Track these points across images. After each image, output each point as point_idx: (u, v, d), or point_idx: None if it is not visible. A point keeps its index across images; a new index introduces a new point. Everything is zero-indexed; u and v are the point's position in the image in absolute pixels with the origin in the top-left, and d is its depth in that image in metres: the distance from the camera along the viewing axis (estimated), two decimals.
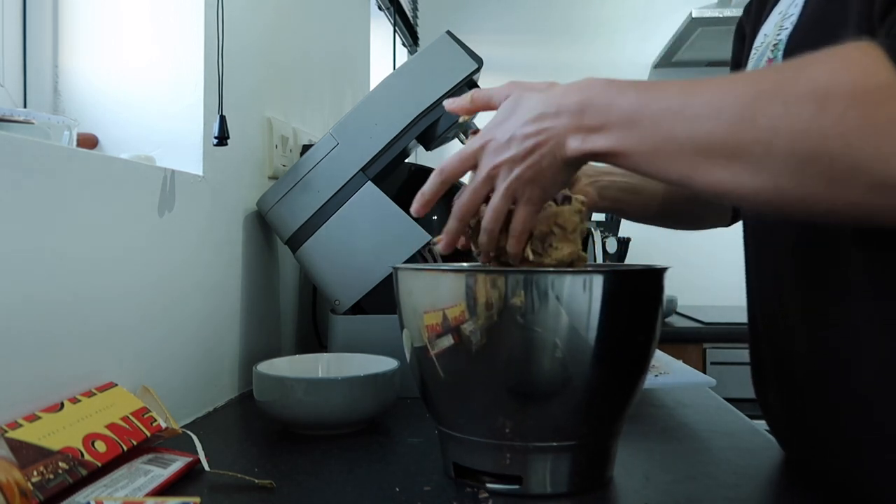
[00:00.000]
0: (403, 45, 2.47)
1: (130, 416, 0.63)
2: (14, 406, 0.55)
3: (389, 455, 0.70)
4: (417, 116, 0.95)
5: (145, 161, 0.79)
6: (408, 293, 0.61)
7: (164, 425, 0.64)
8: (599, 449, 0.61)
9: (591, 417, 0.59)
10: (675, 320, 2.22)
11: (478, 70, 0.96)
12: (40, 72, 0.89)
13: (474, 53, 0.96)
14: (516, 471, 0.58)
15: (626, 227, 2.31)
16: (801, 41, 0.57)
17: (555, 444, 0.58)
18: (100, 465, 0.55)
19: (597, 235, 1.78)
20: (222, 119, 0.82)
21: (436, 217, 1.08)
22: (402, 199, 0.97)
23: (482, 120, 0.65)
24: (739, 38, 0.80)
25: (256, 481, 0.60)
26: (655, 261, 0.67)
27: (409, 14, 2.49)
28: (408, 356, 0.63)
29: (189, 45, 0.87)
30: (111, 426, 0.60)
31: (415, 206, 0.62)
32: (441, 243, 0.62)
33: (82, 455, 0.54)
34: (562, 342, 0.55)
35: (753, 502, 0.59)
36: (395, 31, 2.17)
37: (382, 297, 0.95)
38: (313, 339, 1.24)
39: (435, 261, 0.97)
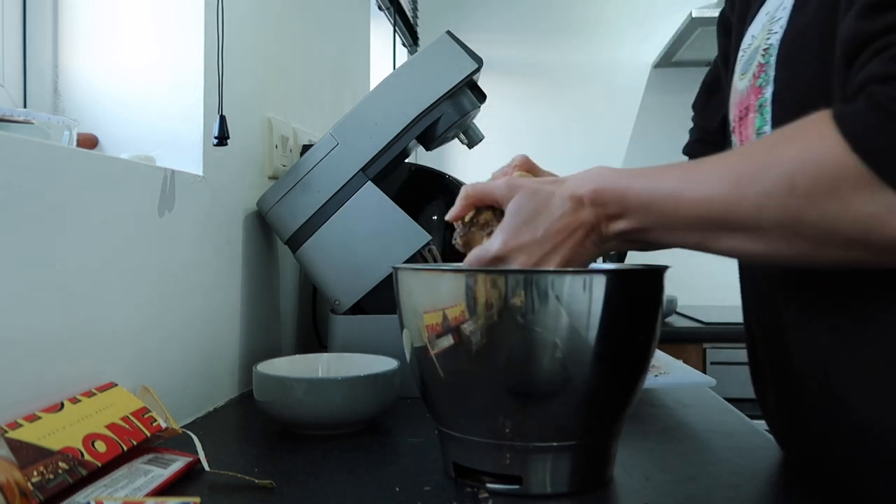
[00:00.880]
0: (403, 45, 2.47)
1: (130, 416, 0.63)
2: (14, 406, 0.55)
3: (389, 455, 0.70)
4: (417, 116, 0.95)
5: (145, 161, 0.79)
6: (408, 293, 0.61)
7: (164, 425, 0.64)
8: (600, 449, 0.60)
9: (592, 417, 0.59)
10: (675, 320, 2.22)
11: (478, 70, 0.96)
12: (40, 72, 0.89)
13: (474, 53, 0.96)
14: (516, 471, 0.58)
15: None
16: (795, 52, 0.58)
17: (555, 443, 0.58)
18: (100, 465, 0.55)
19: None
20: (222, 119, 0.82)
21: (436, 217, 1.08)
22: (402, 199, 0.98)
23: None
24: (724, 32, 0.79)
25: (256, 481, 0.60)
26: (655, 261, 0.68)
27: (409, 14, 2.49)
28: (408, 356, 0.64)
29: (189, 45, 0.87)
30: (111, 426, 0.60)
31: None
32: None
33: (82, 455, 0.54)
34: (562, 342, 0.55)
35: (753, 502, 0.59)
36: (395, 31, 2.17)
37: (382, 297, 0.95)
38: (313, 339, 1.24)
39: (435, 261, 0.97)
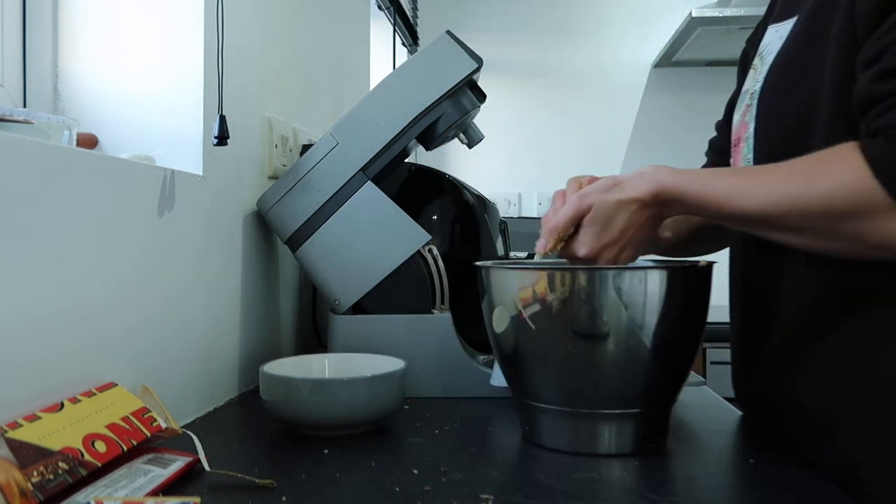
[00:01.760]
0: (403, 44, 2.47)
1: (130, 416, 0.62)
2: (14, 406, 0.55)
3: (389, 455, 0.70)
4: (417, 116, 0.95)
5: (145, 161, 0.79)
6: (500, 284, 0.72)
7: (164, 425, 0.64)
8: (656, 416, 0.72)
9: (657, 385, 0.70)
10: None
11: (478, 70, 0.96)
12: (40, 72, 0.89)
13: (474, 53, 0.95)
14: (586, 435, 0.70)
15: None
16: (769, 101, 0.72)
17: (618, 411, 0.69)
18: (100, 465, 0.55)
19: None
20: (222, 119, 0.82)
21: (436, 217, 1.08)
22: (402, 199, 0.98)
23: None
24: (742, 68, 0.90)
25: (257, 481, 0.60)
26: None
27: (409, 14, 2.49)
28: (498, 331, 0.73)
29: (189, 45, 0.86)
30: (111, 426, 0.60)
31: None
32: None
33: (82, 455, 0.54)
34: (619, 324, 0.67)
35: (753, 502, 0.59)
36: (395, 30, 2.17)
37: (382, 297, 0.95)
38: (313, 339, 1.24)
39: (435, 260, 0.97)
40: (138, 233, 0.73)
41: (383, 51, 2.23)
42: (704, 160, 0.99)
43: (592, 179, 0.73)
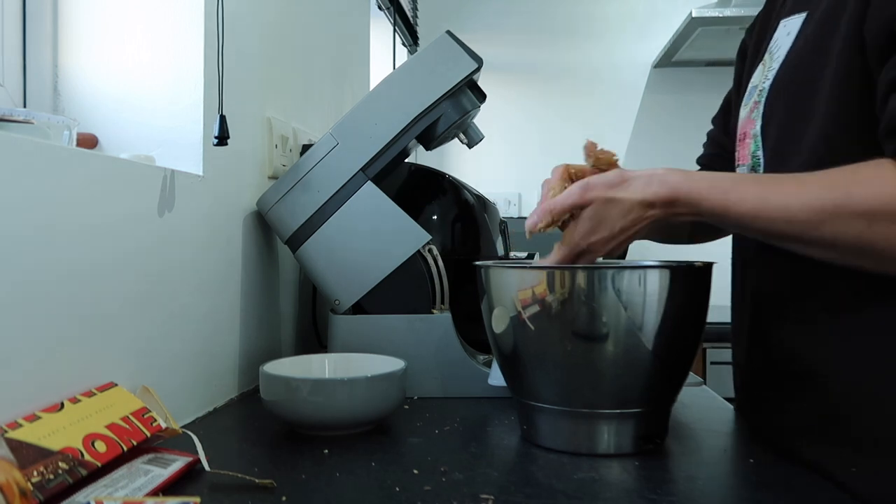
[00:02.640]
0: (403, 44, 2.47)
1: (130, 416, 0.63)
2: (14, 406, 0.55)
3: (390, 455, 0.70)
4: (417, 116, 0.95)
5: (145, 161, 0.79)
6: (500, 283, 0.73)
7: (164, 425, 0.64)
8: (656, 416, 0.72)
9: (656, 385, 0.70)
10: None
11: (478, 70, 0.96)
12: (40, 72, 0.89)
13: (474, 53, 0.95)
14: (585, 435, 0.69)
15: None
16: (776, 100, 0.71)
17: (618, 411, 0.69)
18: (100, 465, 0.55)
19: None
20: (222, 119, 0.82)
21: (436, 217, 1.08)
22: (402, 198, 0.98)
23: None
24: (741, 58, 0.89)
25: (257, 481, 0.60)
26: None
27: (409, 14, 2.49)
28: (497, 331, 0.73)
29: (189, 45, 0.86)
30: (111, 426, 0.60)
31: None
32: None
33: (82, 455, 0.54)
34: (618, 323, 0.67)
35: (753, 502, 0.59)
36: (395, 30, 2.17)
37: (382, 297, 0.96)
38: (313, 339, 1.24)
39: (434, 260, 0.97)
40: (138, 233, 0.73)
41: (383, 51, 2.23)
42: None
43: (593, 145, 0.73)
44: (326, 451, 0.70)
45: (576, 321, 0.67)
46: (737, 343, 0.83)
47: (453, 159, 2.73)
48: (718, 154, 0.94)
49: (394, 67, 2.13)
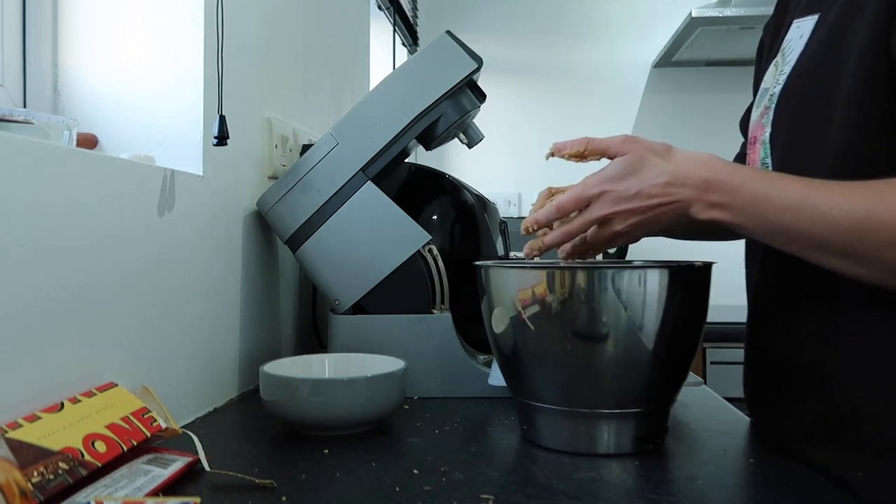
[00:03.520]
0: (403, 44, 2.47)
1: (130, 416, 0.63)
2: (14, 406, 0.55)
3: (390, 455, 0.70)
4: (417, 116, 0.95)
5: (145, 161, 0.79)
6: (500, 283, 0.72)
7: (164, 425, 0.64)
8: (655, 416, 0.71)
9: (656, 385, 0.70)
10: None
11: (478, 70, 0.96)
12: (40, 72, 0.89)
13: (474, 53, 0.95)
14: (584, 435, 0.69)
15: None
16: (786, 106, 0.69)
17: (617, 411, 0.69)
18: (100, 465, 0.55)
19: None
20: (222, 119, 0.82)
21: (436, 217, 1.08)
22: (402, 199, 0.98)
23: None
24: (759, 57, 0.86)
25: (257, 481, 0.60)
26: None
27: (409, 14, 2.49)
28: (497, 331, 0.73)
29: (189, 45, 0.86)
30: (111, 426, 0.60)
31: (525, 225, 0.72)
32: (541, 241, 0.73)
33: (82, 455, 0.54)
34: (618, 321, 0.67)
35: (753, 502, 0.59)
36: (395, 30, 2.17)
37: (382, 297, 0.96)
38: (313, 339, 1.24)
39: (434, 260, 0.97)
40: (138, 233, 0.73)
41: (383, 51, 2.23)
42: None
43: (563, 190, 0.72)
44: (326, 451, 0.70)
45: (576, 321, 0.67)
46: (748, 341, 0.81)
47: (453, 159, 2.73)
48: (743, 153, 0.91)
49: (394, 67, 2.13)
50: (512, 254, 1.26)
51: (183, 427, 0.69)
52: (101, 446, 0.57)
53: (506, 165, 2.70)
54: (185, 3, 0.87)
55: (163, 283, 0.78)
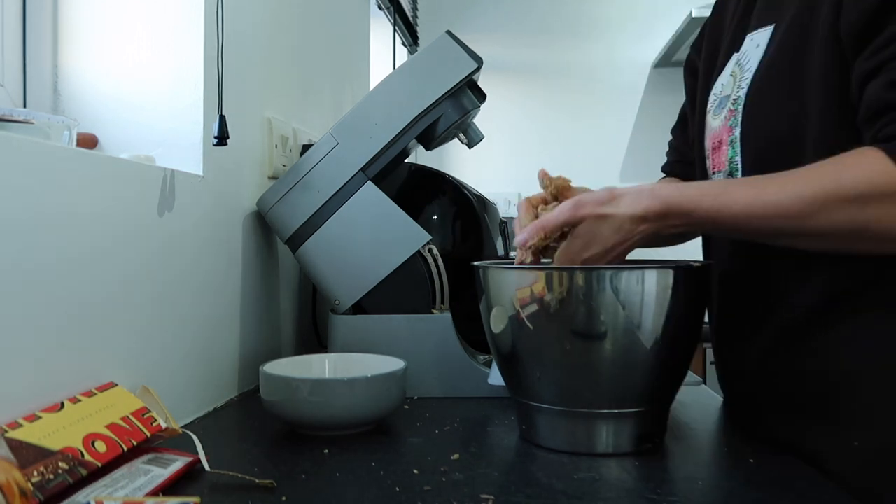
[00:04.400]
0: (403, 44, 2.47)
1: (130, 416, 0.63)
2: (14, 406, 0.55)
3: (390, 455, 0.70)
4: (417, 116, 0.95)
5: (145, 161, 0.79)
6: (498, 284, 0.73)
7: (164, 425, 0.64)
8: (654, 417, 0.71)
9: (654, 385, 0.70)
10: None
11: (478, 70, 0.96)
12: (40, 72, 0.89)
13: (474, 53, 0.96)
14: (583, 435, 0.69)
15: None
16: (757, 105, 0.73)
17: (616, 410, 0.69)
18: (100, 465, 0.56)
19: None
20: (222, 119, 0.82)
21: (436, 217, 1.08)
22: (402, 199, 0.98)
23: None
24: (691, 74, 0.94)
25: (257, 481, 0.60)
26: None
27: (409, 14, 2.49)
28: (496, 331, 0.73)
29: (189, 45, 0.87)
30: (111, 426, 0.60)
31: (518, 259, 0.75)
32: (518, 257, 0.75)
33: (82, 455, 0.55)
34: (616, 322, 0.67)
35: (753, 502, 0.59)
36: (395, 30, 2.17)
37: (382, 297, 0.96)
38: (313, 339, 1.24)
39: (434, 260, 0.97)
40: (138, 233, 0.73)
41: (383, 51, 2.23)
42: None
43: (542, 198, 0.76)
44: (326, 451, 0.70)
45: (574, 321, 0.67)
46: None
47: (453, 159, 2.73)
48: (679, 160, 0.99)
49: (394, 67, 2.13)
50: (512, 254, 1.26)
51: (183, 427, 0.69)
52: (101, 446, 0.57)
53: (506, 165, 2.70)
54: (185, 3, 0.87)
55: (163, 283, 0.78)
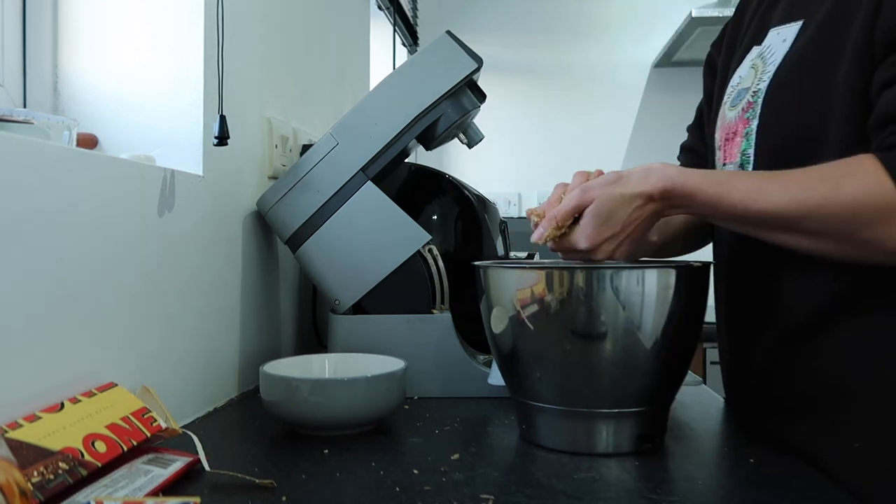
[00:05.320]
0: (403, 44, 2.47)
1: (130, 416, 0.63)
2: (14, 406, 0.55)
3: (390, 455, 0.70)
4: (417, 116, 0.95)
5: (145, 161, 0.79)
6: (499, 283, 0.73)
7: (164, 425, 0.64)
8: (654, 417, 0.71)
9: (654, 385, 0.70)
10: None
11: (478, 70, 0.96)
12: (40, 72, 0.89)
13: (474, 53, 0.95)
14: (583, 435, 0.69)
15: None
16: (778, 98, 0.72)
17: (616, 410, 0.69)
18: (100, 465, 0.56)
19: None
20: (222, 119, 0.82)
21: (436, 217, 1.08)
22: (402, 199, 0.98)
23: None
24: (710, 72, 0.94)
25: (257, 481, 0.60)
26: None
27: (409, 14, 2.49)
28: (496, 331, 0.73)
29: (189, 45, 0.86)
30: (111, 426, 0.60)
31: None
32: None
33: (82, 455, 0.55)
34: (616, 321, 0.67)
35: (753, 502, 0.59)
36: (395, 30, 2.17)
37: (382, 297, 0.96)
38: (313, 339, 1.24)
39: (434, 260, 0.97)
40: (138, 233, 0.73)
41: (383, 51, 2.23)
42: None
43: (600, 173, 0.73)
44: (326, 451, 0.70)
45: (575, 321, 0.67)
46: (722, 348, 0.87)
47: (453, 159, 2.73)
48: (694, 165, 0.97)
49: (394, 67, 2.13)
50: (512, 254, 1.26)
51: (183, 427, 0.69)
52: (101, 446, 0.57)
53: (506, 165, 2.70)
54: (185, 3, 0.87)
55: (163, 283, 0.78)
